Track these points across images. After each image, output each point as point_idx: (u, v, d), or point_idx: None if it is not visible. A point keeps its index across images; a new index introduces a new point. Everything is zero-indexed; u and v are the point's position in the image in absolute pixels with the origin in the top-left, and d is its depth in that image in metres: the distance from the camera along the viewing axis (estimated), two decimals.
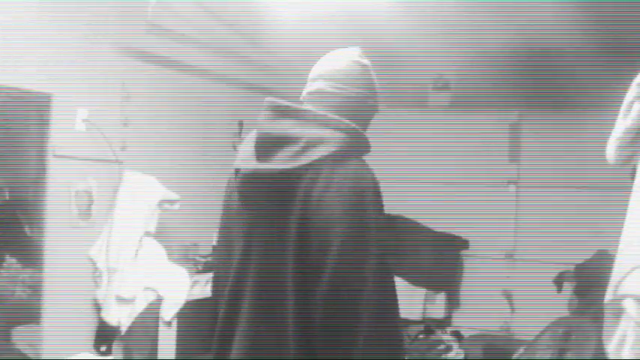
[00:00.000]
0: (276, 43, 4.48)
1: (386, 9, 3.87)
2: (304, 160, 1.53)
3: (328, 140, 1.55)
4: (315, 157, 1.52)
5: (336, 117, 1.61)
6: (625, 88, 2.10)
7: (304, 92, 1.74)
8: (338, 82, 1.68)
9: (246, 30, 4.47)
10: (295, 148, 1.54)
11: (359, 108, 1.68)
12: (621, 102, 2.12)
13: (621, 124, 2.13)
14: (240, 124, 4.88)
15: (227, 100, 4.69)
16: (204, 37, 4.21)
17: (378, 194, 1.54)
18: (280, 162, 1.55)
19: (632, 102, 2.09)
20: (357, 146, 1.60)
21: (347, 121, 1.61)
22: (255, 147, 1.62)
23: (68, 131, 3.44)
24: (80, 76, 3.47)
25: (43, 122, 3.33)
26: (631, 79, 2.09)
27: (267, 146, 1.60)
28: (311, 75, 1.75)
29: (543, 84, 4.77)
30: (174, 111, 4.15)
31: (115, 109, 3.74)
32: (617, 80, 2.29)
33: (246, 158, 1.65)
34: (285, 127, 1.59)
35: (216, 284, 1.82)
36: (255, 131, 1.68)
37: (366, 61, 1.73)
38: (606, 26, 4.05)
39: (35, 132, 3.36)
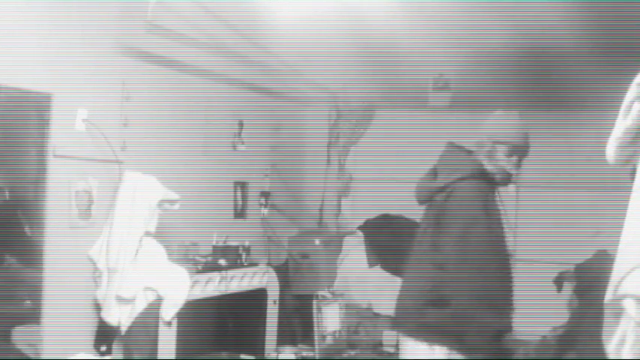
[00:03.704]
0: (276, 43, 4.48)
1: (385, 8, 3.87)
2: None
3: None
4: None
5: None
6: (625, 88, 2.10)
7: None
8: None
9: (246, 30, 4.47)
10: None
11: None
12: (621, 102, 2.12)
13: (621, 124, 2.13)
14: (240, 123, 4.88)
15: (227, 100, 4.69)
16: (204, 37, 4.21)
17: None
18: None
19: (632, 102, 2.08)
20: None
21: None
22: None
23: (68, 131, 3.44)
24: (80, 76, 3.47)
25: (43, 122, 3.33)
26: (631, 79, 2.08)
27: None
28: None
29: (543, 84, 4.77)
30: (174, 111, 4.15)
31: (115, 109, 3.74)
32: (617, 80, 2.29)
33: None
34: None
35: None
36: None
37: None
38: (606, 26, 4.06)
39: (35, 132, 3.36)
